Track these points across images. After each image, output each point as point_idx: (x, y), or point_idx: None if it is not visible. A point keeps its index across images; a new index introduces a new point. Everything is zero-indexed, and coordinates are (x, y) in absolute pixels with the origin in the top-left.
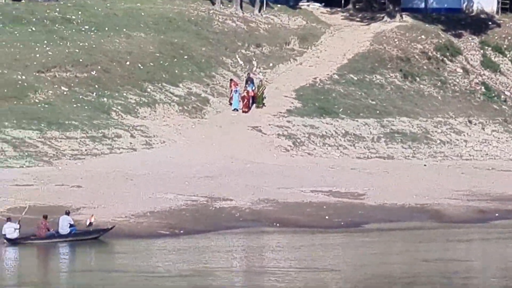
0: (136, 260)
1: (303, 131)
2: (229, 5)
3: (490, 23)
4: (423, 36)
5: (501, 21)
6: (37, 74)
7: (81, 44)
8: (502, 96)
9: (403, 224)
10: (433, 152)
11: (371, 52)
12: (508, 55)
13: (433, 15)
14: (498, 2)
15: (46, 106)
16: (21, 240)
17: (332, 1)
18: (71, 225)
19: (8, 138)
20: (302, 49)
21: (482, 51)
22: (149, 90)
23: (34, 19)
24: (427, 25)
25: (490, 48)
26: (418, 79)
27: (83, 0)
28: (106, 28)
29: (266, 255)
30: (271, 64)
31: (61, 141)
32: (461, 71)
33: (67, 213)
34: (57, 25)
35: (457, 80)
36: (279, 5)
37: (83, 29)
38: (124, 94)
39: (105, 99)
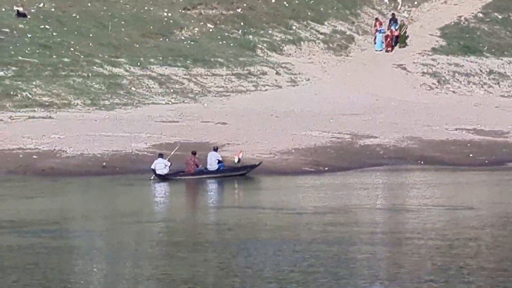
0: (280, 196)
1: (447, 69)
2: None
3: None
4: None
5: None
6: (183, 11)
7: None
8: None
9: None
10: None
11: None
12: None
13: None
14: None
15: (192, 43)
16: (170, 176)
17: None
18: (219, 161)
19: (154, 75)
20: None
21: None
22: (294, 27)
23: None
24: None
25: None
26: None
27: None
28: None
29: (407, 192)
30: (415, 2)
31: (206, 78)
32: None
33: (215, 149)
34: None
35: None
36: None
37: None
38: (269, 31)
39: (251, 37)
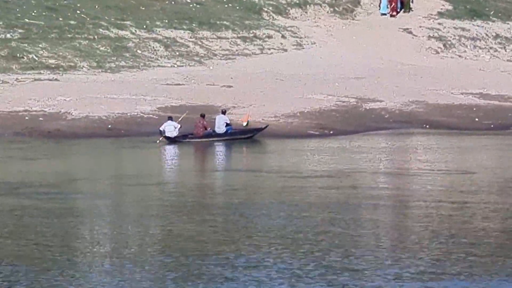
0: (285, 160)
1: (453, 33)
2: None
3: None
4: None
5: None
6: None
7: None
8: None
9: None
10: None
11: None
12: None
13: None
14: None
15: (198, 6)
16: (179, 138)
17: None
18: (227, 124)
19: (160, 37)
20: None
21: None
22: None
23: None
24: None
25: None
26: None
27: None
28: None
29: (411, 156)
30: None
31: (212, 41)
32: None
33: (224, 112)
34: None
35: None
36: None
37: None
38: None
39: (256, 0)
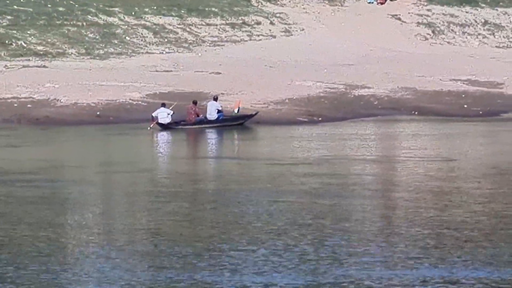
0: (273, 147)
1: (442, 20)
2: None
3: None
4: None
5: None
6: None
7: None
8: None
9: None
10: None
11: None
12: None
13: None
14: None
15: None
16: (171, 125)
17: None
18: (218, 111)
19: (148, 24)
20: None
21: None
22: None
23: None
24: None
25: None
26: None
27: None
28: None
29: (398, 143)
30: None
31: (201, 28)
32: None
33: (215, 99)
34: None
35: None
36: None
37: None
38: None
39: None
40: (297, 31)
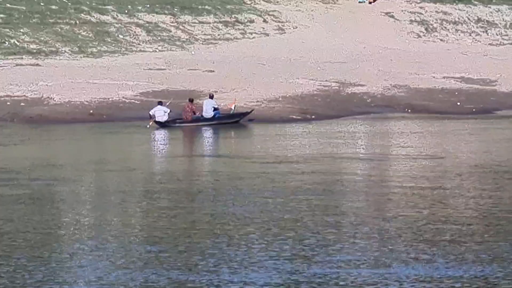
0: (266, 145)
1: (435, 17)
2: None
3: None
4: None
5: None
6: None
7: None
8: None
9: None
10: None
11: None
12: None
13: None
14: None
15: None
16: (169, 123)
17: None
18: (215, 109)
19: (141, 22)
20: None
21: None
22: None
23: None
24: None
25: None
26: None
27: None
28: None
29: (390, 141)
30: None
31: (194, 26)
32: None
33: (211, 97)
34: None
35: None
36: None
37: None
38: None
39: None
40: (290, 29)
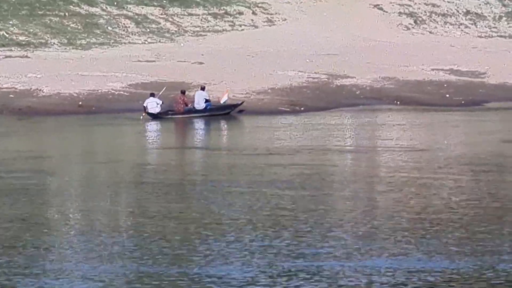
0: (254, 137)
1: (424, 10)
2: None
3: None
4: None
5: None
6: None
7: None
8: None
9: None
10: None
11: None
12: None
13: None
14: None
15: None
16: (161, 114)
17: None
18: (206, 100)
19: (131, 14)
20: None
21: None
22: None
23: None
24: None
25: None
26: None
27: None
28: None
29: (377, 134)
30: None
31: (183, 18)
32: None
33: (203, 89)
34: None
35: None
36: None
37: None
38: None
39: None
40: (279, 21)
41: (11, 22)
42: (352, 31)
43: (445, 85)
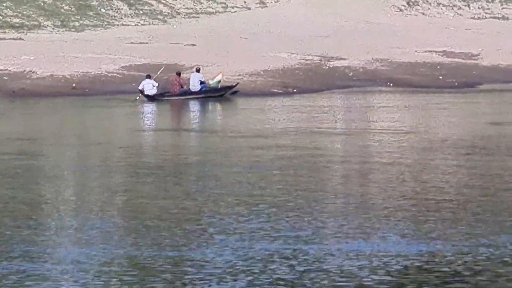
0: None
1: None
2: None
3: None
4: None
5: None
6: None
7: None
8: None
9: None
10: None
11: None
12: None
13: None
14: None
15: None
16: (157, 96)
17: None
18: (201, 82)
19: None
20: None
21: None
22: None
23: None
24: None
25: None
26: None
27: None
28: None
29: (370, 115)
30: None
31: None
32: None
33: (198, 70)
34: None
35: None
36: None
37: None
38: None
39: None
40: (271, 2)
41: (4, 4)
42: (344, 13)
43: (438, 67)
